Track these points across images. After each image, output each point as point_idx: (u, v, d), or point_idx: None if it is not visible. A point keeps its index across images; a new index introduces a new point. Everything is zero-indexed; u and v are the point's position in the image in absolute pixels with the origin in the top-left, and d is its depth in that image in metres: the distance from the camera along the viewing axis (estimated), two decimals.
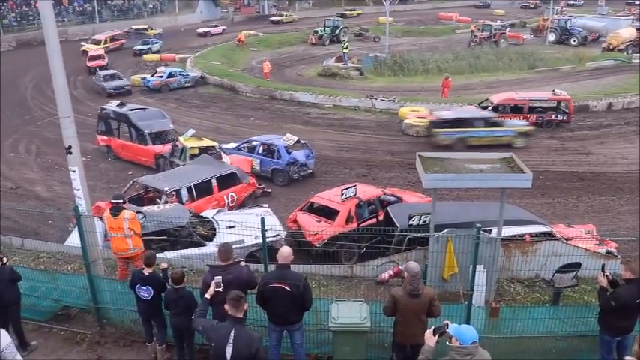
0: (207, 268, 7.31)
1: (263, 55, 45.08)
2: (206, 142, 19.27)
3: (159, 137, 20.56)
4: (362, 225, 12.77)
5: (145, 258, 7.75)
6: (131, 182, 15.50)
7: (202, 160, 17.16)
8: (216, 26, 58.39)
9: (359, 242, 12.33)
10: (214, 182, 15.51)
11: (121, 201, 9.88)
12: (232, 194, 15.84)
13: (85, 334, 8.78)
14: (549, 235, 11.18)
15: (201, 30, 56.34)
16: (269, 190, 17.78)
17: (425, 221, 10.21)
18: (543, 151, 21.98)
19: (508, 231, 10.83)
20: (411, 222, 10.24)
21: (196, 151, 18.44)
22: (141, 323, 8.44)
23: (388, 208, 12.48)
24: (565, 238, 11.29)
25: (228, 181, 16.00)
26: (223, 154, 18.15)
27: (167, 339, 8.00)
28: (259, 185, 17.54)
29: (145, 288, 7.56)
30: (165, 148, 19.80)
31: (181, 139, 19.03)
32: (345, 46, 41.65)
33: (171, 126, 21.27)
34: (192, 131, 19.45)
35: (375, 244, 10.61)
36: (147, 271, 7.60)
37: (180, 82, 34.24)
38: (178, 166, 17.95)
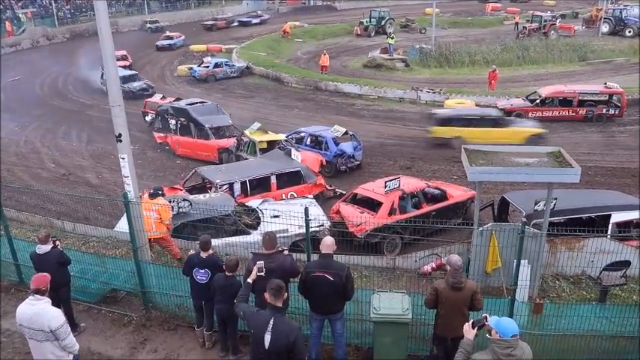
0: (251, 256, 7.35)
1: (308, 46, 45.08)
2: (272, 136, 18.95)
3: (217, 132, 20.34)
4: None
5: (201, 243, 7.87)
6: (193, 171, 15.55)
7: (272, 154, 16.79)
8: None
9: (401, 234, 12.37)
10: (273, 179, 14.91)
11: (160, 193, 11.04)
12: (293, 194, 15.04)
13: (131, 316, 9.05)
14: None
15: None
16: (343, 192, 15.93)
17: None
18: (593, 145, 21.32)
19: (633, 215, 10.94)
20: (536, 207, 10.11)
21: (264, 145, 18.17)
22: (185, 308, 8.65)
23: (505, 195, 12.35)
24: None
25: (290, 179, 15.33)
26: (294, 150, 17.02)
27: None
28: (329, 186, 16.58)
29: (202, 271, 7.72)
30: (228, 142, 19.64)
31: (247, 132, 18.84)
32: (390, 37, 41.34)
33: (230, 121, 21.12)
34: (257, 124, 19.19)
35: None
36: (204, 254, 7.78)
37: (226, 72, 34.65)
38: (246, 159, 17.73)
